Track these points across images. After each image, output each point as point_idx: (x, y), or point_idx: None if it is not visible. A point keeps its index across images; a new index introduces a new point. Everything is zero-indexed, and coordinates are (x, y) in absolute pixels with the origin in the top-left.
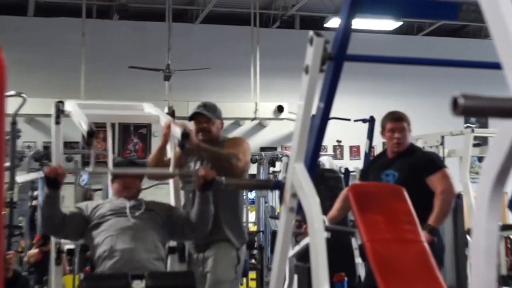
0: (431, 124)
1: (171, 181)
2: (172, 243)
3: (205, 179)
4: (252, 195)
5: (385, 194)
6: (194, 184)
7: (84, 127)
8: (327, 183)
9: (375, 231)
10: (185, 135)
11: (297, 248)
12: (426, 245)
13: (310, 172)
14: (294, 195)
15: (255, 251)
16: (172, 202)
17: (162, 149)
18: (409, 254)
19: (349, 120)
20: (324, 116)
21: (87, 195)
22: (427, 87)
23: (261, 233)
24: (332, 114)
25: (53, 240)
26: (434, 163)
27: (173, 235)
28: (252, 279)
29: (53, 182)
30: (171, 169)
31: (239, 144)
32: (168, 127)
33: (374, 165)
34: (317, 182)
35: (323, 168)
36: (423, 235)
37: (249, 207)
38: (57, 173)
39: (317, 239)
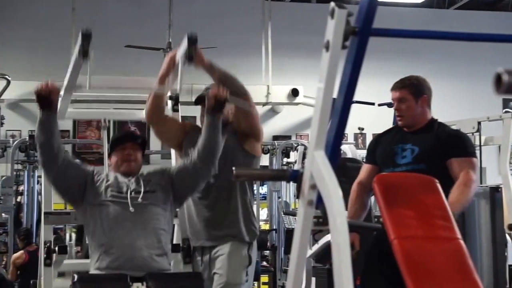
0: (465, 109)
1: (173, 156)
2: (176, 241)
3: (216, 99)
4: (263, 189)
5: (416, 185)
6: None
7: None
8: (349, 174)
9: (404, 227)
10: (193, 38)
11: (316, 247)
12: (462, 243)
13: (331, 162)
14: (313, 187)
15: (267, 252)
16: None
17: (162, 82)
18: (443, 253)
19: (373, 104)
20: (347, 100)
21: None
22: (461, 68)
23: (274, 232)
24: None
25: (41, 237)
26: (466, 147)
27: (182, 193)
28: (264, 283)
29: (46, 101)
30: (178, 86)
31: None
32: (172, 56)
33: (384, 137)
34: (338, 173)
35: (344, 158)
36: None
37: (260, 203)
38: (49, 90)
39: (340, 237)
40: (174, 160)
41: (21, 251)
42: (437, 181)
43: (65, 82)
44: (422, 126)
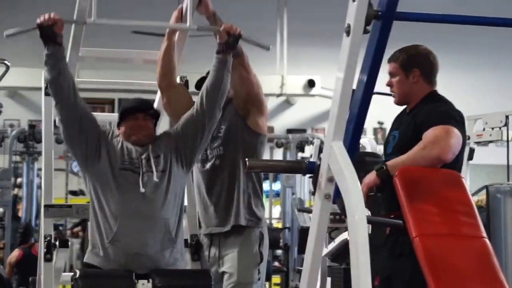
0: (493, 102)
1: None
2: (185, 236)
3: (230, 34)
4: (277, 186)
5: (439, 180)
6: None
7: None
8: (368, 169)
9: (427, 224)
10: None
11: (332, 246)
12: (487, 241)
13: (350, 154)
14: (330, 180)
15: (279, 252)
16: None
17: (171, 38)
18: (466, 252)
19: (391, 95)
20: (367, 89)
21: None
22: (488, 59)
23: (287, 230)
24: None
25: (41, 231)
26: (435, 115)
27: (193, 147)
28: (276, 284)
29: (49, 34)
30: (188, 23)
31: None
32: (180, 9)
33: (392, 125)
34: (357, 168)
35: (363, 152)
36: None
37: (273, 200)
38: (52, 20)
39: (358, 234)
40: None
41: (16, 249)
42: (462, 176)
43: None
44: (416, 104)
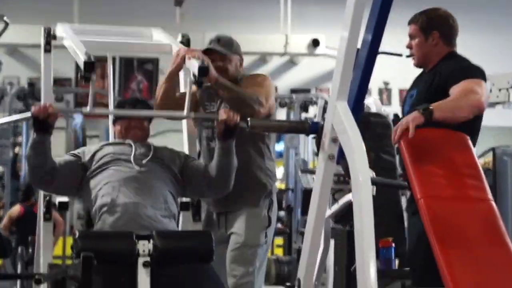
0: (499, 63)
1: (184, 124)
2: (185, 199)
3: (227, 124)
4: (280, 147)
5: (445, 142)
6: (213, 129)
7: (81, 57)
8: (373, 130)
9: (432, 186)
10: (204, 69)
11: (335, 207)
12: (493, 204)
13: (354, 114)
14: (334, 140)
15: (282, 213)
16: (186, 150)
17: (172, 79)
18: (472, 215)
19: (400, 55)
20: (372, 49)
21: (80, 142)
22: (494, 20)
23: (290, 192)
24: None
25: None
26: (461, 71)
27: (187, 191)
28: (278, 246)
29: (42, 124)
30: (185, 112)
31: (261, 84)
32: (182, 57)
33: (410, 86)
34: (361, 128)
35: (368, 112)
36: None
37: (275, 161)
38: (48, 114)
39: (362, 195)
40: (185, 130)
41: (18, 204)
42: (468, 137)
43: None
44: (436, 63)
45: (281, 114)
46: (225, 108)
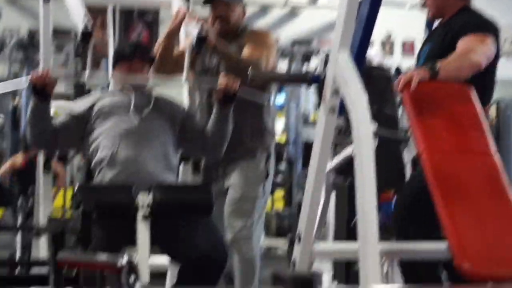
0: (504, 14)
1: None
2: None
3: (226, 91)
4: (281, 99)
5: (449, 95)
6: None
7: (79, 26)
8: (375, 83)
9: (435, 139)
10: (202, 39)
11: (337, 160)
12: (497, 158)
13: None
14: (336, 92)
15: (283, 166)
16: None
17: (171, 37)
18: (475, 168)
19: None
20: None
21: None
22: None
23: (291, 145)
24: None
25: None
26: (468, 25)
27: (183, 147)
28: (279, 198)
29: (41, 92)
30: (184, 77)
31: (263, 43)
32: (181, 19)
33: (424, 40)
34: (363, 82)
35: (370, 66)
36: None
37: (276, 113)
38: (45, 83)
39: (363, 148)
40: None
41: (21, 154)
42: (472, 89)
43: None
44: (450, 17)
45: (282, 66)
46: (225, 74)
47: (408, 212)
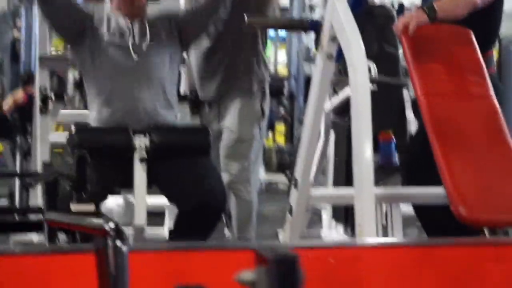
0: None
1: None
2: (183, 92)
3: None
4: (282, 32)
5: (448, 37)
6: None
7: None
8: (376, 21)
9: (433, 83)
10: None
11: (336, 100)
12: (495, 102)
13: (356, 7)
14: (333, 39)
15: (284, 100)
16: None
17: None
18: (473, 112)
19: None
20: None
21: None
22: None
23: (293, 79)
24: None
25: (37, 80)
26: None
27: (190, 38)
28: (280, 133)
29: None
30: None
31: None
32: None
33: None
34: (364, 20)
35: (372, 5)
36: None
37: (278, 45)
38: None
39: (359, 94)
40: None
41: (21, 90)
42: (471, 32)
43: None
44: None
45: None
46: None
47: (416, 159)
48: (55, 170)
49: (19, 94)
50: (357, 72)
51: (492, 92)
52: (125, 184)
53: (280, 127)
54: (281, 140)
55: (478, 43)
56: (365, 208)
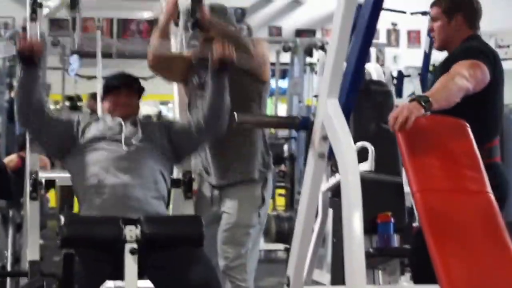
0: (507, 17)
1: (175, 89)
2: (177, 176)
3: (222, 59)
4: (284, 84)
5: (443, 130)
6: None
7: None
8: (373, 99)
9: (429, 178)
10: (196, 1)
11: (332, 181)
12: (492, 198)
13: (355, 85)
14: (325, 138)
15: (283, 166)
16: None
17: (164, 31)
18: (471, 209)
19: (404, 13)
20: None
21: None
22: None
23: (293, 140)
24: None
25: (28, 163)
26: (465, 52)
27: (182, 154)
28: (281, 195)
29: (28, 60)
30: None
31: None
32: (174, 1)
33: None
34: (362, 98)
35: (369, 80)
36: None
37: (279, 98)
38: (32, 50)
39: (351, 195)
40: (177, 97)
41: (15, 155)
42: (467, 125)
43: None
44: (456, 47)
45: (284, 57)
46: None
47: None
48: (38, 279)
49: (12, 161)
50: (349, 173)
51: (489, 188)
52: (115, 276)
53: (281, 190)
54: (281, 202)
55: (479, 134)
56: None
